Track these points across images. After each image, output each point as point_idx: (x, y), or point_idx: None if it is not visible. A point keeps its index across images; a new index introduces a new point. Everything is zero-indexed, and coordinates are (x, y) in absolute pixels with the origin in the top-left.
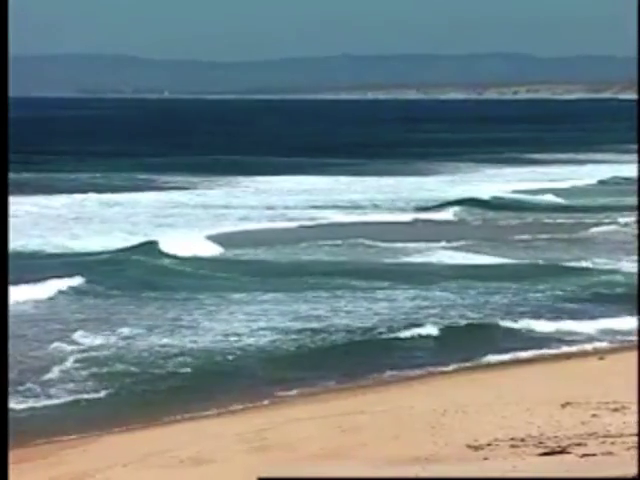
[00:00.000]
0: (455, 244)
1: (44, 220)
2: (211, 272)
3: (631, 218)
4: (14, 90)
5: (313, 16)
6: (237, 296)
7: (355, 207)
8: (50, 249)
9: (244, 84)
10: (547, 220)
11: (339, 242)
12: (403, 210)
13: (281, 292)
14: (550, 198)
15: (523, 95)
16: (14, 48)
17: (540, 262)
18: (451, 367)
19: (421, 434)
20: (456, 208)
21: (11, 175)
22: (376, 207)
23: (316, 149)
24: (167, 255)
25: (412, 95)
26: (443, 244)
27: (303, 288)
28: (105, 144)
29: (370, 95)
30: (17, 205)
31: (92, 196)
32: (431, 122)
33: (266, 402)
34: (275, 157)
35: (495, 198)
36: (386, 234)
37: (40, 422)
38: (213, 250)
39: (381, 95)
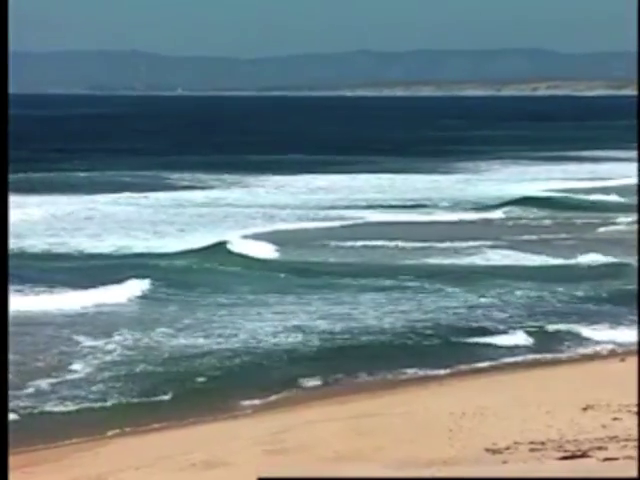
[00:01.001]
0: (532, 246)
1: (97, 221)
2: (276, 273)
3: None
4: (24, 87)
5: (330, 12)
6: (291, 298)
7: (415, 206)
8: (125, 251)
9: (260, 81)
10: (620, 219)
11: (398, 244)
12: (462, 209)
13: (333, 292)
14: (614, 198)
15: (543, 92)
16: (25, 45)
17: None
18: (470, 368)
19: (438, 437)
20: (515, 207)
21: (37, 175)
22: (436, 206)
23: (342, 147)
24: (239, 256)
25: (429, 92)
26: (518, 244)
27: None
28: (119, 142)
29: (387, 92)
30: (59, 205)
31: (126, 195)
32: (450, 119)
33: (282, 404)
34: (302, 155)
35: (556, 196)
36: (450, 234)
37: (71, 422)
38: (272, 251)
39: (398, 92)
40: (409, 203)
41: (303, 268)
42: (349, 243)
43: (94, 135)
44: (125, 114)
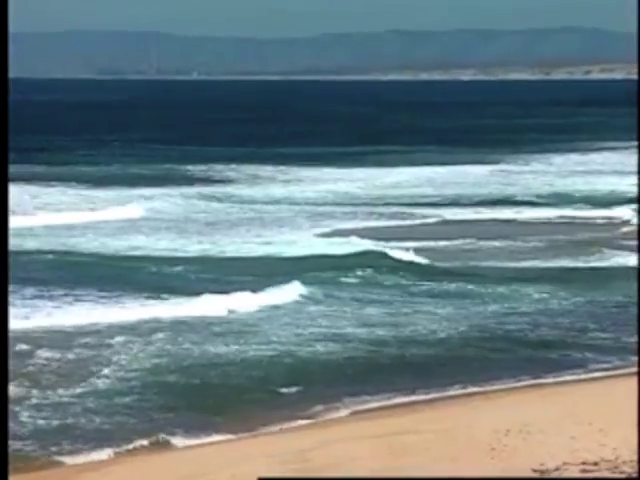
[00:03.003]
0: None
1: (191, 219)
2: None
3: None
4: (25, 71)
5: None
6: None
7: (497, 202)
8: (260, 252)
9: (283, 64)
10: None
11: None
12: (571, 206)
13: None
14: None
15: (596, 75)
16: (25, 25)
17: None
18: (518, 383)
19: (480, 457)
20: None
21: (89, 168)
22: (527, 203)
23: (381, 137)
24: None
25: (470, 76)
26: None
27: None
28: (131, 131)
29: (423, 76)
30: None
31: (202, 190)
32: (496, 105)
33: (311, 420)
34: (339, 147)
35: None
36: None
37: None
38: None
39: (435, 76)
40: (487, 199)
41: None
42: (442, 243)
43: (99, 125)
44: (135, 101)
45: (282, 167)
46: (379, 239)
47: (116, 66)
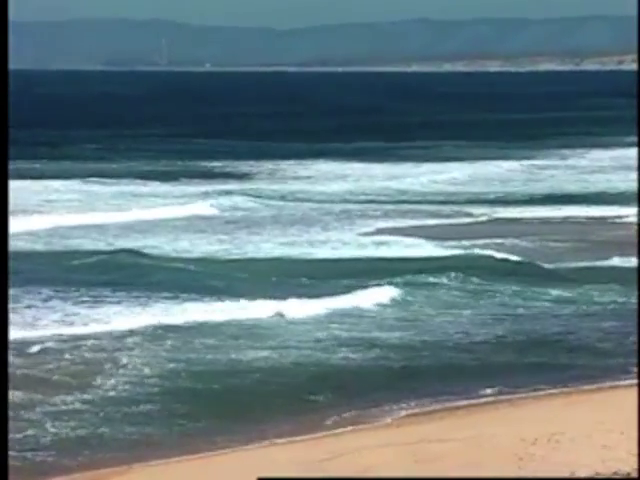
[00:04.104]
0: None
1: (256, 219)
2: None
3: None
4: (30, 63)
5: None
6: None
7: (546, 199)
8: (344, 254)
9: (301, 55)
10: None
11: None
12: None
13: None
14: None
15: (629, 66)
16: (29, 13)
17: None
18: (547, 389)
19: (506, 466)
20: None
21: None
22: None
23: (407, 131)
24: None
25: (497, 67)
26: None
27: None
28: (139, 126)
29: (447, 67)
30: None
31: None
32: (525, 98)
33: (331, 428)
34: (369, 142)
35: None
36: None
37: None
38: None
39: (461, 67)
40: (535, 196)
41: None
42: (510, 240)
43: (107, 119)
44: (145, 93)
45: (301, 161)
46: (434, 238)
47: (124, 57)
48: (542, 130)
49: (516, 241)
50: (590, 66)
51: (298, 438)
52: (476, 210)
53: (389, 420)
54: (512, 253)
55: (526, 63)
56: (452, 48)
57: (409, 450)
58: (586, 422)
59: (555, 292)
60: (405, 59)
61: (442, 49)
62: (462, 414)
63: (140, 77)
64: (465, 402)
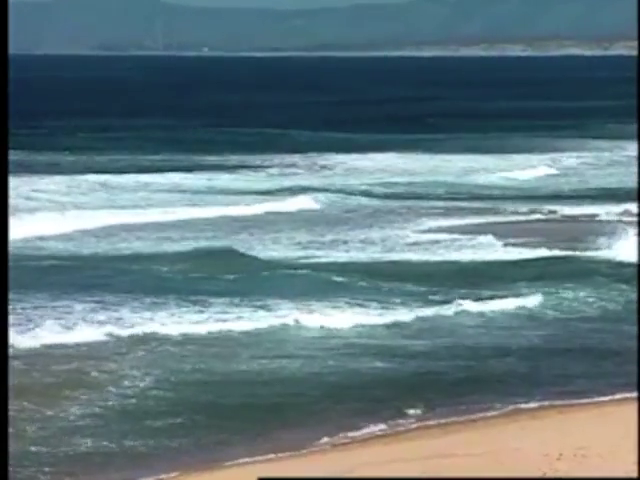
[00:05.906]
0: None
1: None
2: None
3: None
4: (17, 47)
5: None
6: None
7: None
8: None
9: (309, 38)
10: None
11: None
12: None
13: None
14: None
15: None
16: None
17: None
18: (573, 400)
19: None
20: None
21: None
22: None
23: (427, 120)
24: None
25: (518, 51)
26: None
27: None
28: (137, 116)
29: (464, 51)
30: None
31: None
32: (550, 84)
33: (337, 443)
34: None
35: None
36: None
37: None
38: None
39: (478, 51)
40: (592, 192)
41: None
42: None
43: (100, 107)
44: (139, 79)
45: (365, 154)
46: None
47: (115, 40)
48: (572, 121)
49: None
50: (618, 51)
51: (305, 451)
52: (539, 206)
53: None
54: None
55: (550, 47)
56: (470, 31)
57: (419, 466)
58: (615, 437)
59: None
60: (419, 43)
61: (459, 32)
62: (477, 426)
63: (135, 62)
64: (481, 414)
